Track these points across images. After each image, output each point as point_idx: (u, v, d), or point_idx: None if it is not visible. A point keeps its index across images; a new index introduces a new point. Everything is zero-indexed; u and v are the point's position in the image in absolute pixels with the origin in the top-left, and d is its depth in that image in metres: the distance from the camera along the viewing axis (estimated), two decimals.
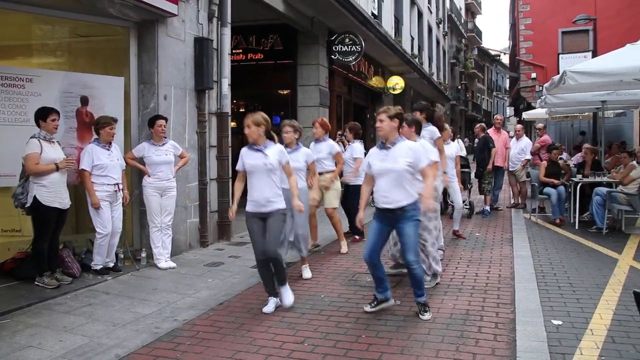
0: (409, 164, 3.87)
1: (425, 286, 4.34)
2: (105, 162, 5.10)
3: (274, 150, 4.19)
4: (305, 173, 5.27)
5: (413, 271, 3.96)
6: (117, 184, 5.22)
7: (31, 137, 4.61)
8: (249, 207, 4.20)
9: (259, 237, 4.15)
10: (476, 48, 42.75)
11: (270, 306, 4.21)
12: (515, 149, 9.93)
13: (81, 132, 5.49)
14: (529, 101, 21.99)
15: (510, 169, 9.91)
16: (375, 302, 4.16)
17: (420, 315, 4.00)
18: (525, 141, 10.06)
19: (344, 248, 6.36)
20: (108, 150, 5.17)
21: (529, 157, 9.82)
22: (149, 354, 3.42)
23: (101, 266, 5.22)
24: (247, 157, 4.20)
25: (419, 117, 5.25)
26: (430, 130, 5.44)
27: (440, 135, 5.58)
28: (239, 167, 4.29)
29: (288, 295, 4.28)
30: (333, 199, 6.49)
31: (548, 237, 7.10)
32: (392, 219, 3.97)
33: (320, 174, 5.91)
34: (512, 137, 10.69)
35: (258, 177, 4.14)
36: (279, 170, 4.22)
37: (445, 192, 9.45)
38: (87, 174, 5.05)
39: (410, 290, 4.49)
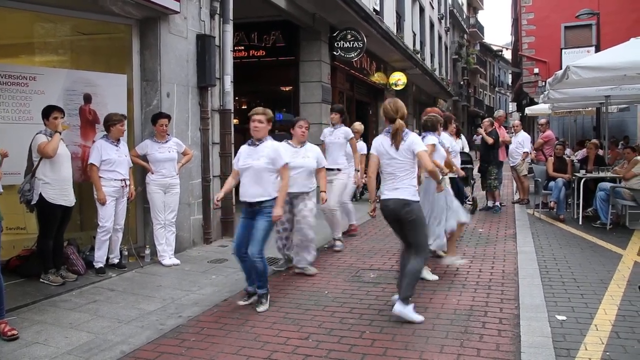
0: (269, 162, 4.14)
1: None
2: (113, 158, 5.12)
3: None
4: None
5: (255, 264, 4.16)
6: (124, 179, 5.23)
7: (37, 133, 4.63)
8: None
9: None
10: (478, 43, 42.53)
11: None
12: (513, 144, 9.97)
13: (84, 130, 5.50)
14: (531, 97, 21.92)
15: (511, 164, 9.94)
16: (247, 296, 4.36)
17: (257, 307, 4.16)
18: (523, 135, 10.12)
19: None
20: (116, 146, 5.19)
21: (527, 149, 9.83)
22: (154, 350, 3.44)
23: (102, 264, 5.15)
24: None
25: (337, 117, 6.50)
26: (344, 130, 6.46)
27: (353, 135, 6.61)
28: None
29: None
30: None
31: (552, 233, 7.09)
32: (252, 212, 4.21)
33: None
34: (511, 134, 10.69)
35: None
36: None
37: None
38: (95, 169, 5.07)
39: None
